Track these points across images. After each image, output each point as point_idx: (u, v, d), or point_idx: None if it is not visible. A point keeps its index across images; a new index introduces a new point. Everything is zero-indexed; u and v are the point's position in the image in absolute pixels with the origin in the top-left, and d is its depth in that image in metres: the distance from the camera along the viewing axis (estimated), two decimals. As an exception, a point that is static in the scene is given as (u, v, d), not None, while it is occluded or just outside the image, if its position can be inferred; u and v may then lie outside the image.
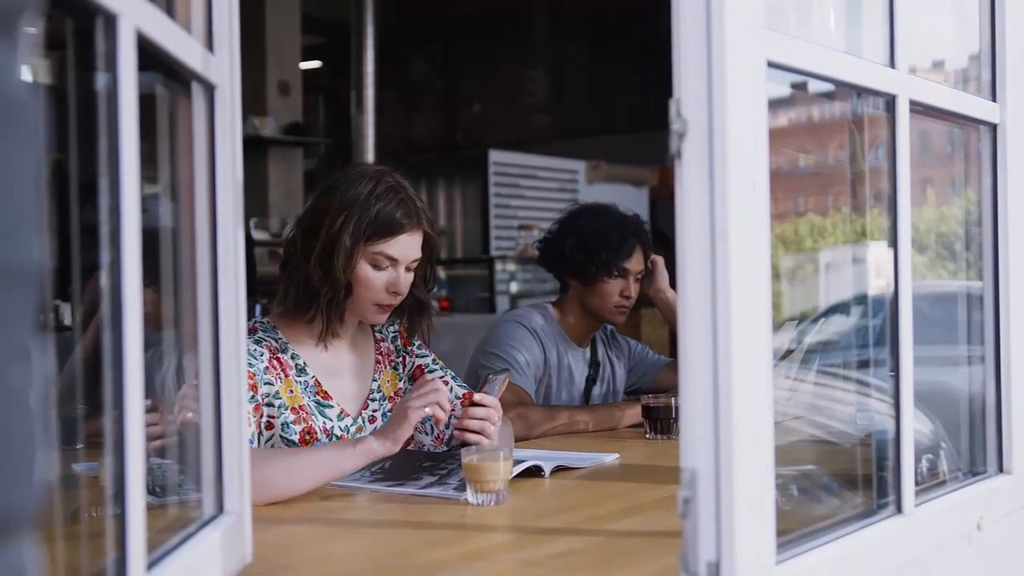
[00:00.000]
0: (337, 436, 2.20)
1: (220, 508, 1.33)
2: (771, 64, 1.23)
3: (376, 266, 2.17)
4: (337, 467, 1.93)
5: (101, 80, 0.99)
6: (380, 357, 2.36)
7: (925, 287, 1.57)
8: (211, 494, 1.33)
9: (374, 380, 2.33)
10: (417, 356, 2.41)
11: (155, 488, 1.29)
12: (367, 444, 1.95)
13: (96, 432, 1.08)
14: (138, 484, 0.99)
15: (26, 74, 0.54)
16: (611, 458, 2.32)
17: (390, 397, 2.34)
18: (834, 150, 2.07)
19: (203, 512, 1.31)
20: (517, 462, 2.00)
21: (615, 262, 2.93)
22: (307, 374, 2.21)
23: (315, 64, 9.75)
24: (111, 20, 0.97)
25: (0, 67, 0.52)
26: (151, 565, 1.05)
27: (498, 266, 7.27)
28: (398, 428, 1.96)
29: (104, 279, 0.98)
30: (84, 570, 1.12)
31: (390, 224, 2.16)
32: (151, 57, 1.09)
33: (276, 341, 2.20)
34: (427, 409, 1.96)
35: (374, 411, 2.31)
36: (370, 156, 7.81)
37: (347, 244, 2.13)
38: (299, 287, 2.19)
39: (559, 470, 2.15)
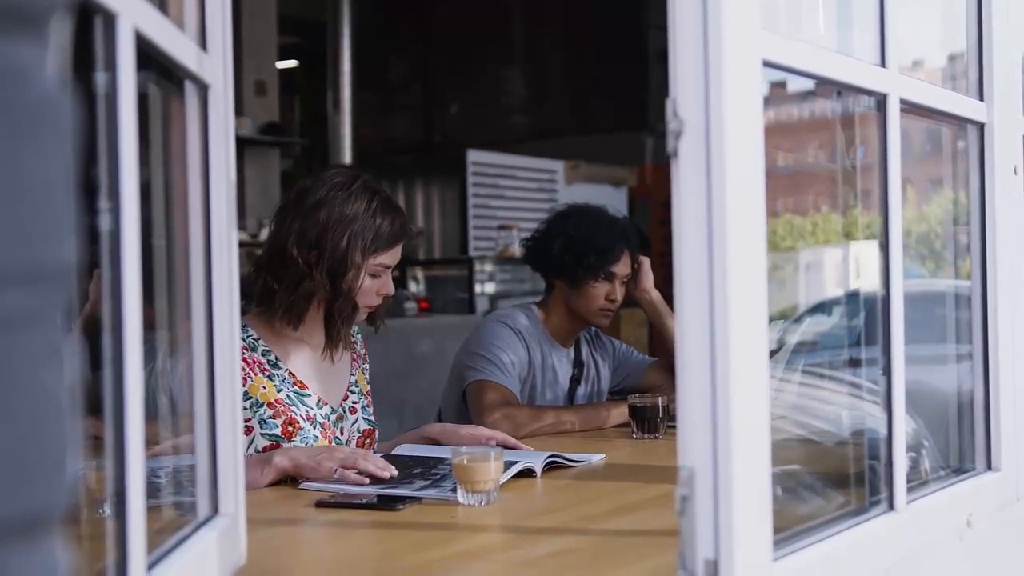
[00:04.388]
0: (320, 424, 2.24)
1: (215, 510, 1.33)
2: (767, 63, 1.23)
3: (374, 276, 2.25)
4: (251, 482, 1.89)
5: (99, 79, 0.98)
6: (355, 355, 2.42)
7: (905, 286, 1.58)
8: (206, 496, 1.32)
9: (352, 375, 2.39)
10: (368, 372, 2.49)
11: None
12: (276, 461, 2.00)
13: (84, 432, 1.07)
14: (138, 487, 0.98)
15: (57, 73, 0.54)
16: (598, 458, 2.33)
17: (366, 393, 2.41)
18: (813, 149, 2.08)
19: (198, 514, 1.31)
20: (508, 463, 2.00)
21: (603, 266, 2.92)
22: (281, 368, 2.24)
23: (291, 63, 9.71)
24: (110, 19, 0.96)
25: (31, 66, 0.51)
26: (151, 566, 1.05)
27: (477, 266, 7.25)
28: (303, 461, 1.99)
29: (105, 278, 0.97)
30: (81, 571, 1.10)
31: (393, 238, 2.25)
32: (145, 56, 1.08)
33: (245, 340, 2.22)
34: (338, 470, 1.98)
35: (353, 403, 2.36)
36: (347, 157, 7.79)
37: (358, 261, 2.21)
38: (302, 299, 2.22)
39: (551, 469, 2.15)
